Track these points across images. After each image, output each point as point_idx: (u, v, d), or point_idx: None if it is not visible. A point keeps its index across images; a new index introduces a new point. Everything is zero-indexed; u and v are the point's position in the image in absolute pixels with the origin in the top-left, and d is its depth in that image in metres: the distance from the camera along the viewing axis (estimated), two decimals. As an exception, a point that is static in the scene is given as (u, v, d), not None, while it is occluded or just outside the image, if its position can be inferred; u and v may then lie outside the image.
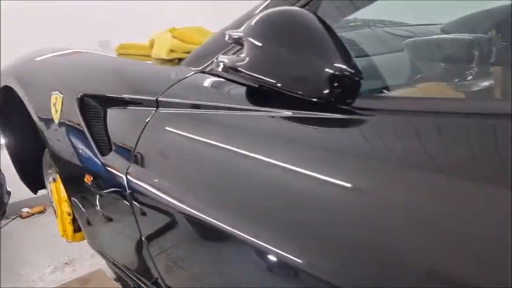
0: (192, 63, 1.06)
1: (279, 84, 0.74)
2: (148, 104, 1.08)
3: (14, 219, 3.58)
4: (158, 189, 0.99)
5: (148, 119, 1.06)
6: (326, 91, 0.69)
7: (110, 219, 1.30)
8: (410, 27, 1.42)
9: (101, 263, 2.81)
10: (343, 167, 0.65)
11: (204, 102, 0.97)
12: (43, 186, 2.36)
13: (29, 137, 2.20)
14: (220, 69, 0.82)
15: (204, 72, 1.02)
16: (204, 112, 0.97)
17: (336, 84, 0.69)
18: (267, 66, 0.76)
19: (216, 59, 0.88)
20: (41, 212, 3.69)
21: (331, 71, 0.69)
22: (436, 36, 1.14)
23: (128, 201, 1.11)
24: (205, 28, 1.33)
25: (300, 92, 0.73)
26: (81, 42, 3.18)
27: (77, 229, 1.84)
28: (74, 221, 1.82)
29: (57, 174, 1.68)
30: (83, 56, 1.51)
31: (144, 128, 1.07)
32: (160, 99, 1.04)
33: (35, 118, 1.54)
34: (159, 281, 1.15)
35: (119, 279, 2.56)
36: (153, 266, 1.14)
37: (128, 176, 1.08)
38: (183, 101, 1.00)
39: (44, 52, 1.70)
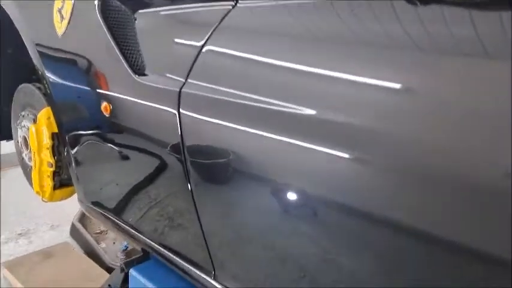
0: None
1: None
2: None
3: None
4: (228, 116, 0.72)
5: (221, 19, 0.78)
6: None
7: (134, 161, 1.00)
8: None
9: (64, 235, 2.43)
10: None
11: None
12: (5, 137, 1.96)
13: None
14: None
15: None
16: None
17: None
18: None
19: None
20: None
21: None
22: None
23: (174, 129, 0.81)
24: None
25: None
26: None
27: (57, 186, 1.50)
28: (55, 175, 1.47)
29: (43, 113, 1.33)
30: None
31: (213, 32, 0.78)
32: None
33: (23, 33, 1.19)
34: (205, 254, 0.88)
35: (89, 254, 2.21)
36: (200, 234, 0.86)
37: (182, 97, 0.79)
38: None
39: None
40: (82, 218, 2.50)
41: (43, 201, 1.54)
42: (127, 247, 2.29)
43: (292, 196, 0.67)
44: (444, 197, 0.48)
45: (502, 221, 0.43)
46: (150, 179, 0.98)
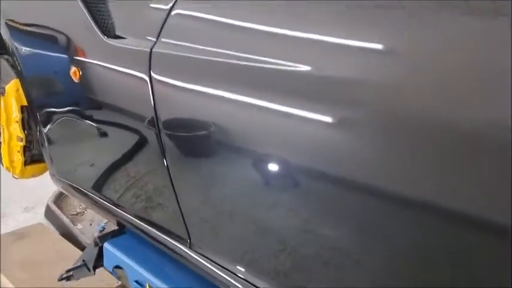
0: None
1: None
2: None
3: None
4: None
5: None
6: None
7: (107, 131, 0.96)
8: None
9: (38, 217, 2.38)
10: None
11: None
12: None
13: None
14: None
15: None
16: None
17: None
18: None
19: None
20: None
21: None
22: None
23: (145, 92, 0.78)
24: None
25: None
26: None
27: (28, 161, 1.44)
28: (25, 150, 1.42)
29: (11, 85, 1.28)
30: None
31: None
32: None
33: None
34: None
35: (65, 235, 2.17)
36: (175, 204, 0.84)
37: (153, 58, 0.76)
38: None
39: None
40: (57, 200, 2.45)
41: (13, 177, 1.49)
42: (104, 228, 2.26)
43: (270, 167, 0.65)
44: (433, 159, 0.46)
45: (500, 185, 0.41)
46: (126, 152, 0.95)
